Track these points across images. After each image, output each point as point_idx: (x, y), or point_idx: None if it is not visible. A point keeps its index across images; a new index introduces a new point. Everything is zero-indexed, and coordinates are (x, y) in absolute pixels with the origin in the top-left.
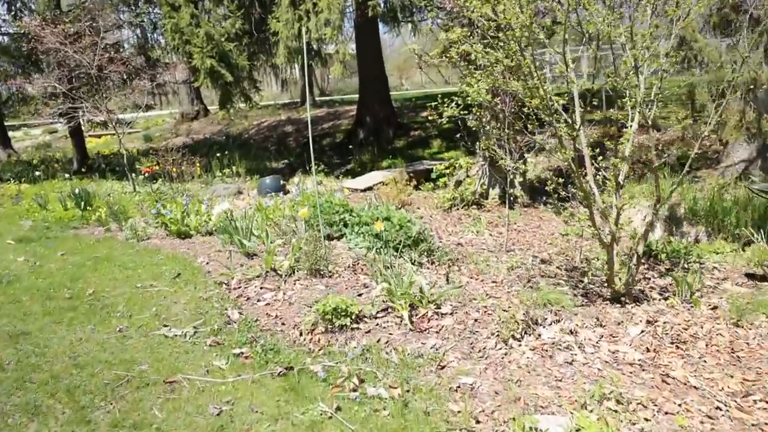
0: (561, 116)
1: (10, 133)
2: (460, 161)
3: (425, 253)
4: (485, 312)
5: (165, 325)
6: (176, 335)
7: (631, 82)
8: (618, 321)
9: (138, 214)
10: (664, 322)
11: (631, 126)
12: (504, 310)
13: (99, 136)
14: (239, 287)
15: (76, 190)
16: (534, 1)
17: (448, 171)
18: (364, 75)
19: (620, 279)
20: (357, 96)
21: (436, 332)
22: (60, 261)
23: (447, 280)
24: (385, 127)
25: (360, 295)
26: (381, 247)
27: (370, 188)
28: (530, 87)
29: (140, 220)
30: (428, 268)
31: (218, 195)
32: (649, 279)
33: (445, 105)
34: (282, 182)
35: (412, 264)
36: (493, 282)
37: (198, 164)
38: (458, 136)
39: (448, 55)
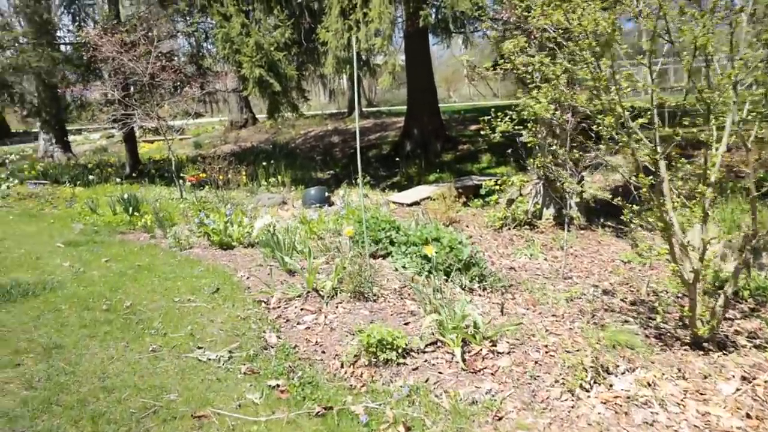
0: (640, 138)
1: (72, 137)
2: (513, 179)
3: (476, 279)
4: (546, 352)
5: (199, 347)
6: (210, 359)
7: (726, 98)
8: (704, 374)
9: (183, 221)
10: (766, 381)
11: (718, 148)
12: (567, 351)
13: (152, 142)
14: (279, 307)
15: (125, 196)
16: (616, 5)
17: (498, 187)
18: (412, 86)
19: (703, 322)
20: (404, 107)
21: (492, 374)
22: (103, 268)
23: (502, 311)
24: (433, 140)
25: (407, 324)
26: (430, 270)
27: (416, 203)
28: (603, 103)
29: (184, 228)
30: (480, 295)
31: (263, 205)
32: (732, 320)
33: (499, 119)
34: (327, 194)
35: (462, 289)
36: (553, 315)
37: (244, 173)
38: (509, 151)
39: (502, 66)
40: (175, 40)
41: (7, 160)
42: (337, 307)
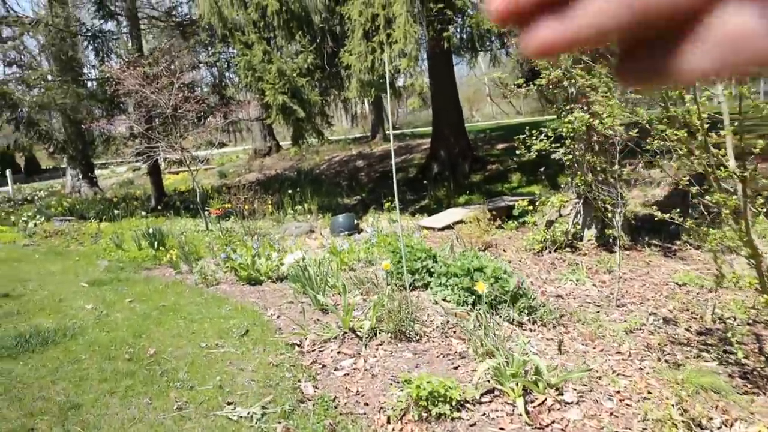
0: (716, 152)
1: (99, 171)
2: (552, 199)
3: (525, 311)
4: (621, 400)
5: (229, 403)
6: (241, 417)
7: None
8: None
9: (209, 254)
10: None
11: None
12: (644, 398)
13: (177, 173)
14: (313, 350)
15: (150, 230)
16: None
17: (531, 208)
18: (437, 107)
19: None
20: (428, 129)
21: (562, 430)
22: (127, 310)
23: (559, 348)
24: (461, 161)
25: (456, 368)
26: (474, 303)
27: (449, 227)
28: (670, 115)
29: (211, 262)
30: (531, 330)
31: (290, 234)
32: None
33: (534, 137)
34: (355, 221)
35: (510, 323)
36: (618, 353)
37: (269, 202)
38: (542, 170)
39: (538, 82)
40: (197, 70)
41: (36, 197)
42: (377, 349)
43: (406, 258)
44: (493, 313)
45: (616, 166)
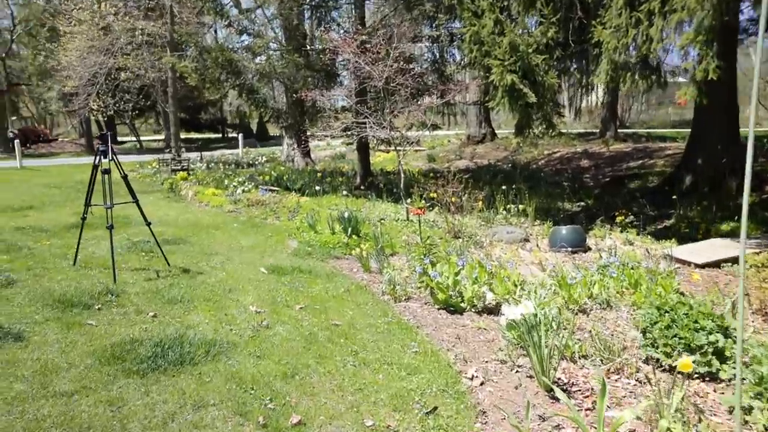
0: None
1: (315, 143)
2: None
3: None
4: None
5: None
6: None
7: None
8: None
9: (403, 250)
10: None
11: None
12: None
13: (387, 151)
14: None
15: (346, 214)
16: None
17: None
18: (703, 105)
19: None
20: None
21: None
22: (292, 323)
23: None
24: (728, 176)
25: None
26: None
27: (714, 264)
28: None
29: (404, 263)
30: None
31: (500, 240)
32: None
33: None
34: (583, 236)
35: None
36: None
37: (480, 199)
38: None
39: None
40: (416, 45)
41: (257, 162)
42: None
43: (679, 324)
44: None
45: None
